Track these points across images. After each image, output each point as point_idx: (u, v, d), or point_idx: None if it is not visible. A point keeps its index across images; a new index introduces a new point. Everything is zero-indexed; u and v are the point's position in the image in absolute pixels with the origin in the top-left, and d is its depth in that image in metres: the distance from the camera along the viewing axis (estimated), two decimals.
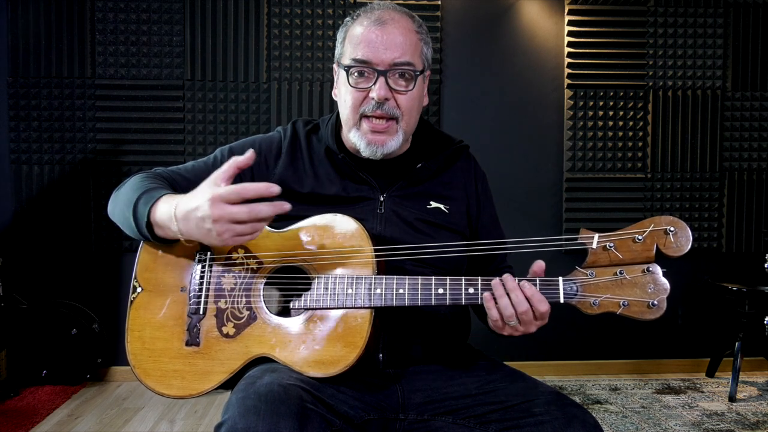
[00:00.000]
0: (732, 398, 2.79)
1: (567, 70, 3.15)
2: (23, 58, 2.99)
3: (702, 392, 2.93)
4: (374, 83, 1.21)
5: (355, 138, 1.25)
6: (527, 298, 1.06)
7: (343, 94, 1.26)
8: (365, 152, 1.25)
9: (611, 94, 3.15)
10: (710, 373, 3.14)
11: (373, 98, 1.21)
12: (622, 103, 3.16)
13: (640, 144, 3.18)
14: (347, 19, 1.28)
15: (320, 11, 3.05)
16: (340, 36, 1.28)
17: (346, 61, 1.24)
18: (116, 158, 3.03)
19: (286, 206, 1.04)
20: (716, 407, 2.72)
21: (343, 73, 1.25)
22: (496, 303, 1.08)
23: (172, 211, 1.08)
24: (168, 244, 1.19)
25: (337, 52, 1.30)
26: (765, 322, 2.80)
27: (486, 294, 1.09)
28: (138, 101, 3.03)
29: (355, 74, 1.22)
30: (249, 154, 1.07)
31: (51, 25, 3.00)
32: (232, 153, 1.31)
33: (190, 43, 3.03)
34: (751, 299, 2.86)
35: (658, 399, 2.84)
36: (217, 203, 1.01)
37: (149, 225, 1.12)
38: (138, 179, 1.23)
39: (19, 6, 2.98)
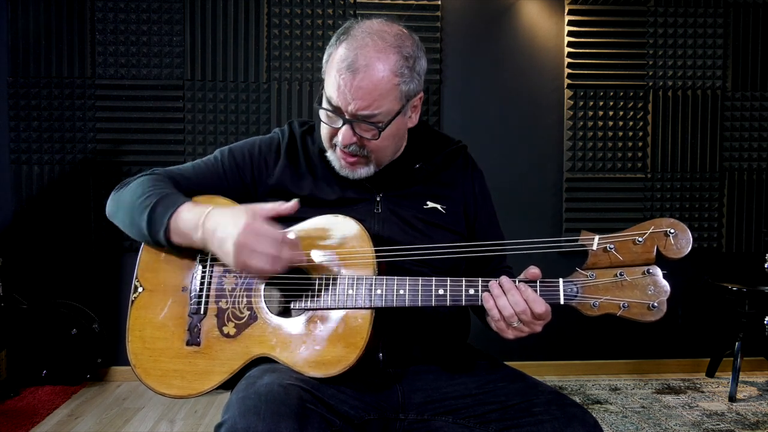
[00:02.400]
0: (732, 398, 2.79)
1: (567, 70, 3.15)
2: (23, 58, 2.99)
3: (702, 392, 2.93)
4: (341, 126, 1.18)
5: (331, 158, 1.25)
6: (524, 299, 1.07)
7: (321, 117, 1.24)
8: (340, 173, 1.25)
9: (611, 94, 3.15)
10: (710, 373, 3.14)
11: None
12: (622, 103, 3.16)
13: (640, 144, 3.18)
14: (339, 31, 1.21)
15: (320, 11, 3.05)
16: (327, 50, 1.22)
17: (324, 94, 1.20)
18: (116, 158, 3.03)
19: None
20: (716, 407, 2.72)
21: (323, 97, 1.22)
22: (495, 303, 1.08)
23: (200, 219, 1.11)
24: (177, 251, 1.19)
25: (323, 66, 1.25)
26: (765, 322, 2.80)
27: (485, 294, 1.09)
28: (138, 101, 3.03)
29: (326, 112, 1.20)
30: (293, 204, 1.12)
31: (51, 25, 3.00)
32: (232, 154, 1.31)
33: (190, 43, 3.03)
34: (751, 299, 2.86)
35: (658, 399, 2.84)
36: (248, 232, 1.06)
37: (167, 231, 1.14)
38: (146, 182, 1.22)
39: (19, 6, 2.98)
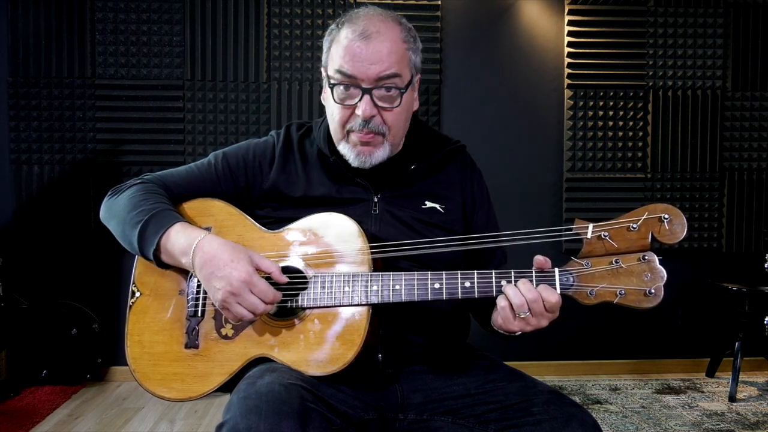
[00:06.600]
0: (732, 398, 2.79)
1: (567, 70, 3.14)
2: (23, 58, 2.99)
3: (702, 392, 2.93)
4: (359, 100, 1.18)
5: (344, 150, 1.24)
6: (535, 288, 1.05)
7: (330, 107, 1.24)
8: (354, 163, 1.24)
9: (611, 94, 3.15)
10: (710, 373, 3.14)
11: (358, 115, 1.19)
12: (622, 103, 3.16)
13: (640, 144, 3.18)
14: (332, 26, 1.24)
15: (320, 11, 3.05)
16: (325, 43, 1.25)
17: (331, 74, 1.21)
18: (116, 158, 3.03)
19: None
20: (716, 407, 2.72)
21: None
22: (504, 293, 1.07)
23: (190, 247, 1.11)
24: (165, 268, 1.20)
25: (323, 59, 1.26)
26: (765, 322, 2.80)
27: (504, 284, 1.08)
28: (138, 101, 3.02)
29: (341, 89, 1.20)
30: (284, 279, 1.12)
31: (51, 25, 3.00)
32: (226, 158, 1.32)
33: (190, 43, 3.03)
34: (751, 299, 2.86)
35: (658, 399, 2.84)
36: (244, 286, 1.07)
37: (156, 250, 1.15)
38: (139, 194, 1.22)
39: (19, 6, 2.98)
